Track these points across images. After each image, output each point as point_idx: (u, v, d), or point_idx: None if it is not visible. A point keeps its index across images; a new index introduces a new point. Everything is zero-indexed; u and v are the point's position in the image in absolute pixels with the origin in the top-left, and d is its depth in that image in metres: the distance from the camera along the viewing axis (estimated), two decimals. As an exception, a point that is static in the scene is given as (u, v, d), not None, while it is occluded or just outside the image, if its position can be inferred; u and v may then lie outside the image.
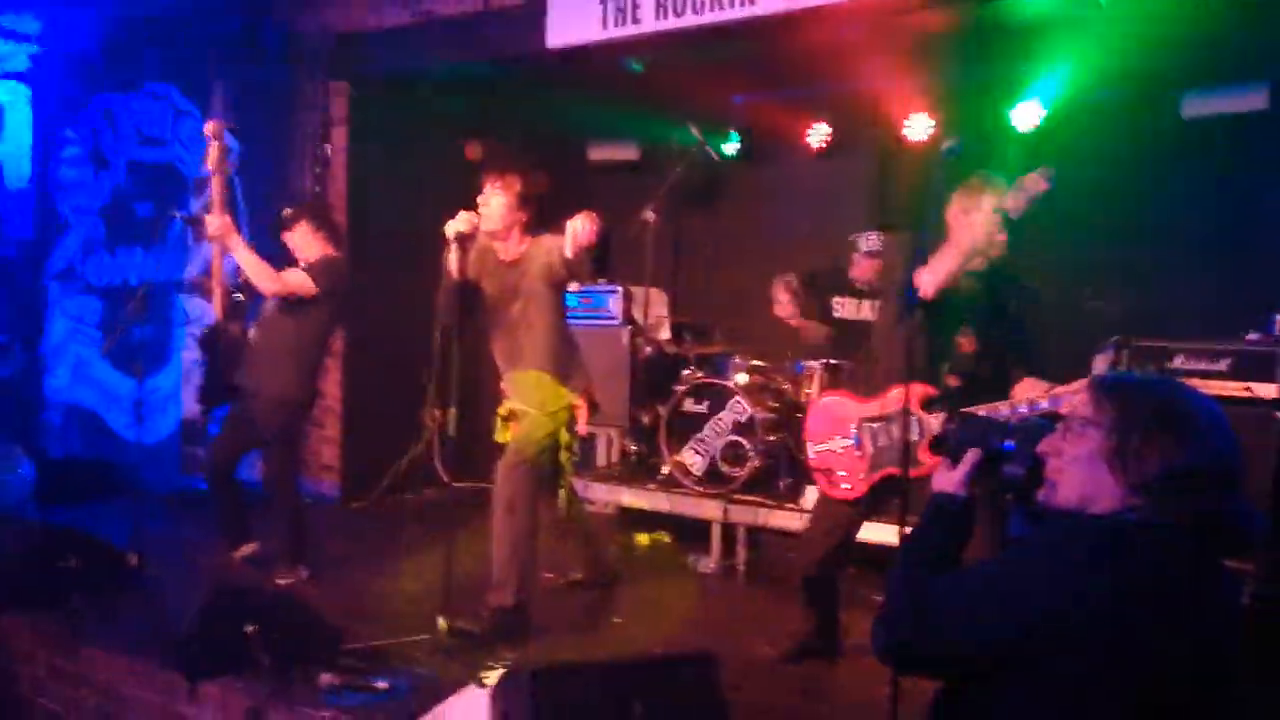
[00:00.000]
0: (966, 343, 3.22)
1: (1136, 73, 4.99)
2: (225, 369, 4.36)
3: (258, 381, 4.30)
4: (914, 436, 3.02)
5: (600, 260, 3.54)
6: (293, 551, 4.39)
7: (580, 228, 3.39)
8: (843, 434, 3.37)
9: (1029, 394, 3.00)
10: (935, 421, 3.10)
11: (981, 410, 3.00)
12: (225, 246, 4.22)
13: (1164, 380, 1.65)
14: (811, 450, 3.47)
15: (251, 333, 4.43)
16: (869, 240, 5.23)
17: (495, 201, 3.67)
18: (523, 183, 3.68)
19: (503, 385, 3.92)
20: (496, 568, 3.68)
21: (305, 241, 4.40)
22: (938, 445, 1.89)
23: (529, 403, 3.80)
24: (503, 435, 3.90)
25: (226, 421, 4.46)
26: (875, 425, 3.29)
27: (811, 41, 4.89)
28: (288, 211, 4.44)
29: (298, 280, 4.24)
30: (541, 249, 3.70)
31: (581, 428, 3.89)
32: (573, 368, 3.88)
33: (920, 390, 3.08)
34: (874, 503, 3.37)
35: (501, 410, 3.93)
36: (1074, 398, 2.88)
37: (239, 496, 4.50)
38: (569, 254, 3.45)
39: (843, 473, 3.35)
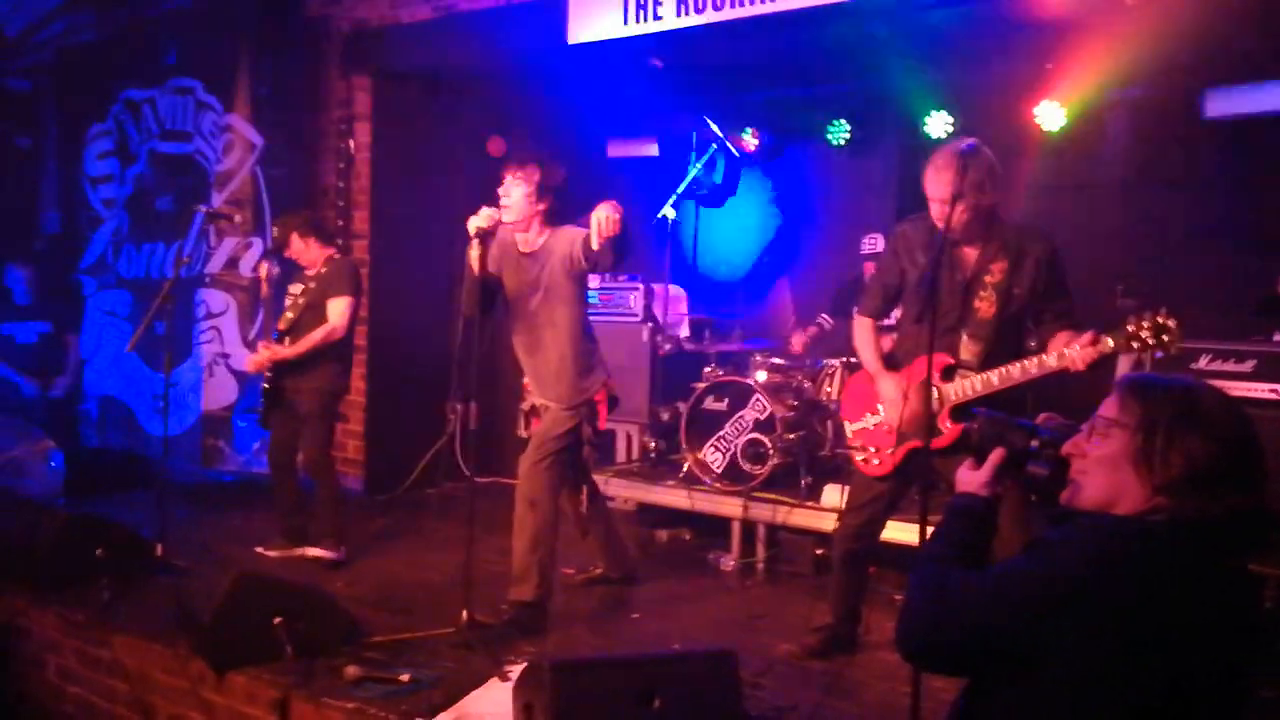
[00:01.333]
0: (985, 306, 3.16)
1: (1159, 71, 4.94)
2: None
3: (297, 376, 4.56)
4: (934, 407, 3.07)
5: (621, 251, 3.54)
6: (335, 528, 4.57)
7: (604, 218, 3.40)
8: (871, 410, 3.43)
9: (1061, 348, 2.93)
10: (952, 390, 3.14)
11: (994, 375, 3.05)
12: (279, 359, 4.56)
13: (1189, 381, 1.64)
14: (849, 429, 3.54)
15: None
16: (870, 243, 5.44)
17: (515, 192, 3.68)
18: (541, 172, 3.69)
19: (525, 381, 3.95)
20: (518, 562, 3.71)
21: (302, 251, 4.67)
22: (963, 445, 1.90)
23: (550, 397, 3.83)
24: (525, 430, 3.92)
25: (278, 416, 4.66)
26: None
27: (832, 37, 4.88)
28: (275, 232, 4.74)
29: (343, 308, 4.56)
30: (562, 240, 3.71)
31: (601, 423, 3.91)
32: (593, 361, 3.90)
33: (938, 360, 3.09)
34: (906, 480, 3.39)
35: (524, 405, 3.95)
36: (1071, 352, 2.87)
37: (298, 488, 4.69)
38: (595, 246, 3.45)
39: (873, 448, 3.40)
